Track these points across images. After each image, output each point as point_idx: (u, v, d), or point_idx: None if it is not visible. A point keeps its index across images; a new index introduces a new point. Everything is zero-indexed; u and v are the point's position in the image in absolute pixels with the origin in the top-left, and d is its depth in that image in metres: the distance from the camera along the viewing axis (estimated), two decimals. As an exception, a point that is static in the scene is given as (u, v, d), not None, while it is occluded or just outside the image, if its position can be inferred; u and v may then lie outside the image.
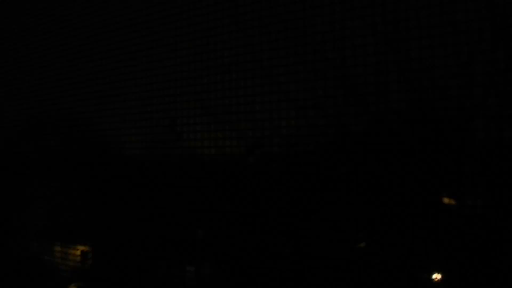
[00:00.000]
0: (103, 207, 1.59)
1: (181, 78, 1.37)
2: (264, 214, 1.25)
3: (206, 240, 1.41)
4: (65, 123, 1.70)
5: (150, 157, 1.49)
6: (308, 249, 1.18)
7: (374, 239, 1.11)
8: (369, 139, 1.11)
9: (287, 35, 1.19)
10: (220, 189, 1.34)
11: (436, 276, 1.06)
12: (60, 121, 1.72)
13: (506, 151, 0.98)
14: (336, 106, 1.14)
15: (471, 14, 0.98)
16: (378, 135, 1.10)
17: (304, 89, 1.17)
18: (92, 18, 1.60)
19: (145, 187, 1.48)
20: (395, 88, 1.08)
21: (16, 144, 1.91)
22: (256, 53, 1.22)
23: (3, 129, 1.94)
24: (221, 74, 1.27)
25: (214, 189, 1.35)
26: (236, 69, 1.24)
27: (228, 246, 1.33)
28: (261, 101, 1.21)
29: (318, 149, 1.19)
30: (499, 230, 0.99)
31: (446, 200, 1.06)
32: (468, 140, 1.03)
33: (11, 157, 1.93)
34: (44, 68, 1.77)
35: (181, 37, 1.37)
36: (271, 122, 1.19)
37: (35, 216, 1.84)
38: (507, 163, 0.97)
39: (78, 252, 1.65)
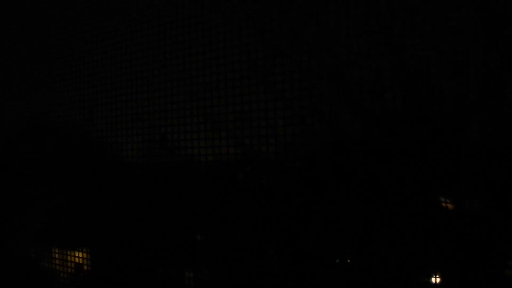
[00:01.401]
0: (102, 211, 1.59)
1: (177, 85, 1.37)
2: (261, 218, 1.25)
3: (204, 243, 1.41)
4: (64, 124, 1.70)
5: (146, 163, 1.49)
6: (307, 251, 1.18)
7: (374, 239, 1.11)
8: (368, 140, 1.11)
9: (282, 40, 1.19)
10: (218, 194, 1.34)
11: (436, 277, 1.05)
12: (58, 123, 1.71)
13: (505, 151, 0.98)
14: (334, 107, 1.13)
15: (470, 15, 0.98)
16: (376, 136, 1.10)
17: (300, 91, 1.16)
18: (92, 17, 1.60)
19: (142, 191, 1.48)
20: (395, 88, 1.08)
21: (16, 144, 1.91)
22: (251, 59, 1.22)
23: (3, 129, 1.94)
24: (216, 81, 1.27)
25: (211, 194, 1.35)
26: (232, 76, 1.24)
27: (225, 249, 1.33)
28: (257, 108, 1.20)
29: (316, 152, 1.18)
30: (499, 230, 0.99)
31: (445, 200, 1.05)
32: (467, 140, 1.02)
33: (11, 157, 1.93)
34: (44, 68, 1.77)
35: (176, 44, 1.37)
36: (267, 129, 1.19)
37: (35, 216, 1.84)
38: (506, 163, 0.97)
39: (78, 254, 1.65)
